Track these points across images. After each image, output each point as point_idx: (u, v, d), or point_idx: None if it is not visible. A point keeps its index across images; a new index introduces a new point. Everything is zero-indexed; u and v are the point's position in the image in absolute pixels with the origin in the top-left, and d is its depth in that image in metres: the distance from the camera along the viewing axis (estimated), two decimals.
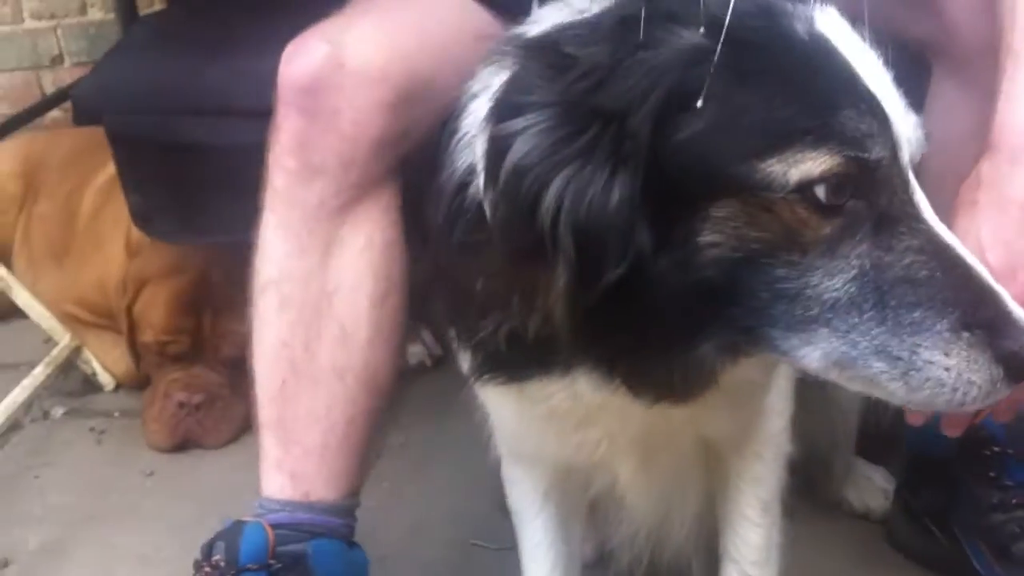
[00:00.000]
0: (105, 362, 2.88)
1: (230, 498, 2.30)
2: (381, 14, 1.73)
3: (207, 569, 1.64)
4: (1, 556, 2.25)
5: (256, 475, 2.24)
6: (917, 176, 1.15)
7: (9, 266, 3.12)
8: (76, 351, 2.89)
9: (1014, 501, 1.73)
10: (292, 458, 1.72)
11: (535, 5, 1.79)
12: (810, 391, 1.86)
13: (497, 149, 1.10)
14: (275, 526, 1.67)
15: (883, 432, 2.06)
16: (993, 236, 1.41)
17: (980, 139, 1.58)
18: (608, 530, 1.83)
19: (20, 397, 2.70)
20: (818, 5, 1.18)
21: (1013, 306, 1.10)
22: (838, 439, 2.02)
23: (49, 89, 3.57)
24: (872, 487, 2.09)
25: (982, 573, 1.78)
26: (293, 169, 1.67)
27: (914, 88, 1.70)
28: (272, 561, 1.63)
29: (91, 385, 2.91)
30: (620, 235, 1.07)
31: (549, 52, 1.15)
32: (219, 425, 2.59)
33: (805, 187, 1.06)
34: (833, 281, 1.10)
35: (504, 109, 1.13)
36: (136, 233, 2.72)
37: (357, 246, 1.70)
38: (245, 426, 2.58)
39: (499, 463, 1.69)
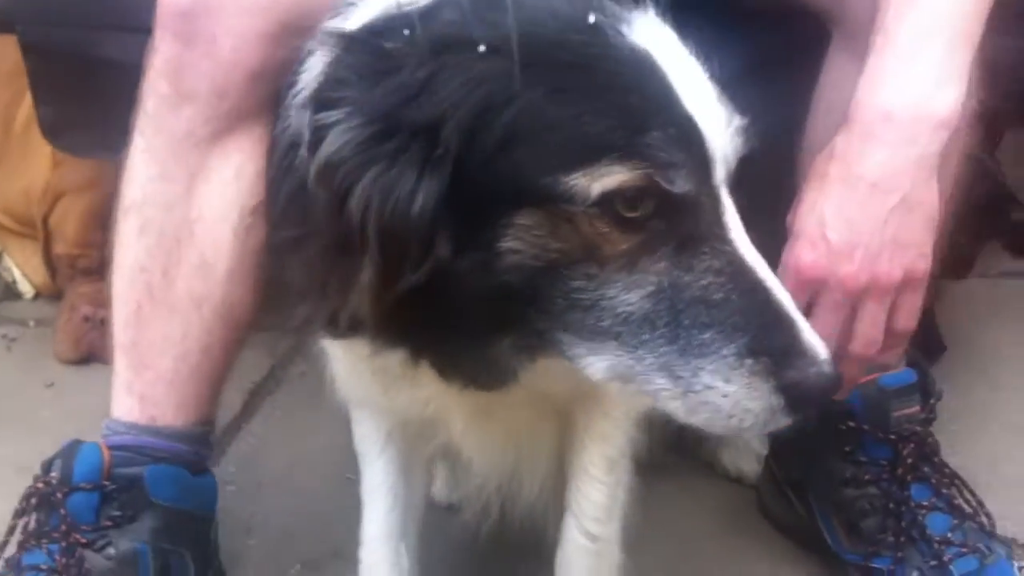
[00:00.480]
0: (25, 270, 2.89)
1: None
2: None
3: (40, 485, 1.64)
4: None
5: None
6: (736, 181, 1.15)
7: None
8: None
9: (867, 477, 1.71)
10: (142, 382, 1.70)
11: None
12: None
13: (315, 138, 1.12)
14: (116, 448, 1.66)
15: None
16: (836, 212, 1.39)
17: None
18: (457, 478, 1.84)
19: None
20: (646, 16, 1.19)
21: (807, 335, 1.10)
22: None
23: None
24: (747, 451, 2.07)
25: (832, 546, 1.77)
26: (164, 94, 1.64)
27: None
28: (106, 482, 1.63)
29: (10, 292, 2.92)
30: (421, 241, 1.09)
31: (369, 46, 1.15)
32: None
33: (606, 201, 1.07)
34: (629, 295, 1.10)
35: (321, 100, 1.15)
36: None
37: (225, 177, 1.67)
38: None
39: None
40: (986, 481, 1.87)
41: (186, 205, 1.67)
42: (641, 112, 1.09)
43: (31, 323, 2.80)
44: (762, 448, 2.04)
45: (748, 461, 2.06)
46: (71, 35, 2.25)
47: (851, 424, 1.71)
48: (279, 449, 2.28)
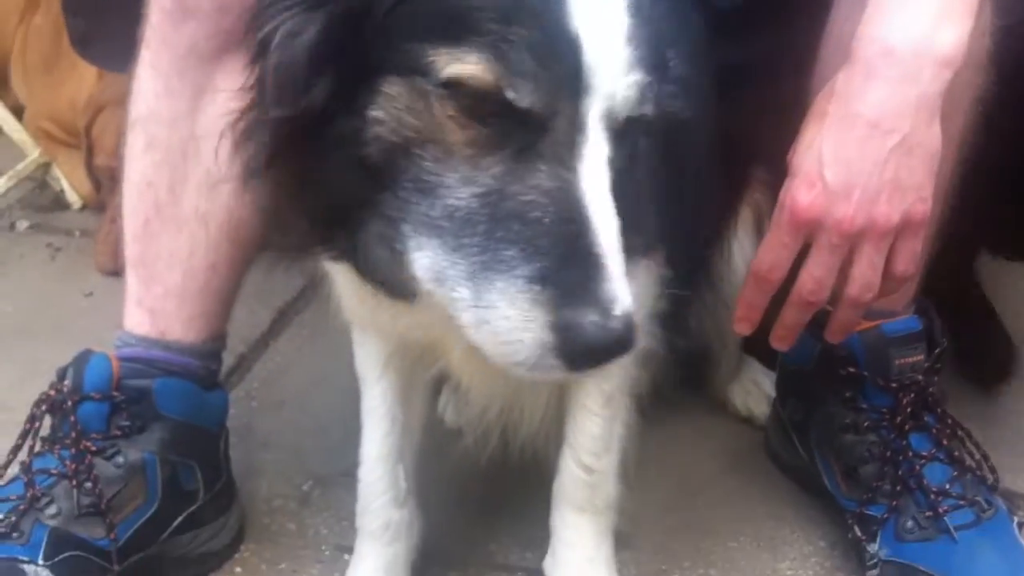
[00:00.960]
0: (72, 180, 2.94)
1: None
2: None
3: (53, 392, 1.69)
4: None
5: None
6: (630, 129, 1.13)
7: (6, 76, 3.18)
8: (45, 167, 2.94)
9: (866, 424, 1.69)
10: (152, 296, 1.74)
11: None
12: (700, 285, 1.84)
13: None
14: (126, 360, 1.70)
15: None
16: (834, 153, 1.35)
17: None
18: (457, 405, 1.86)
19: None
20: None
21: (610, 284, 1.06)
22: (726, 337, 1.98)
23: None
24: (758, 392, 2.06)
25: (830, 489, 1.76)
26: (168, 8, 1.66)
27: None
28: (116, 393, 1.67)
29: (59, 203, 2.97)
30: (301, 74, 1.12)
31: None
32: None
33: (453, 87, 1.07)
34: (461, 190, 1.10)
35: None
36: None
37: (230, 93, 1.67)
38: None
39: None
40: (999, 435, 1.85)
41: (191, 121, 1.69)
42: (525, 13, 1.08)
43: (76, 233, 2.85)
44: (773, 390, 2.03)
45: (758, 402, 2.06)
46: None
47: (852, 370, 1.69)
48: (303, 368, 2.32)
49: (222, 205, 1.71)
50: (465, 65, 1.07)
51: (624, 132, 1.13)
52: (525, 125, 1.09)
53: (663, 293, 1.59)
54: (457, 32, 1.07)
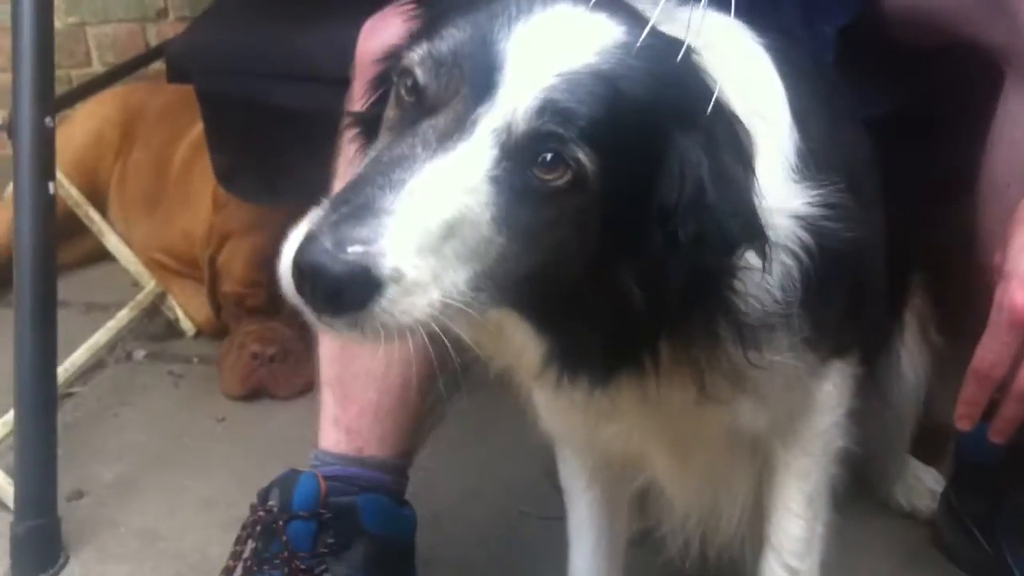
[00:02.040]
0: (187, 309, 3.00)
1: (295, 448, 2.37)
2: None
3: (261, 513, 1.72)
4: (77, 487, 2.37)
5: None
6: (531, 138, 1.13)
7: (104, 211, 3.26)
8: (160, 297, 3.01)
9: None
10: (348, 415, 1.79)
11: None
12: (868, 389, 1.88)
13: None
14: (328, 478, 1.74)
15: (936, 433, 2.06)
16: None
17: None
18: (659, 515, 1.88)
19: (104, 338, 2.83)
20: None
21: (368, 228, 1.05)
22: (893, 439, 2.02)
23: (153, 41, 3.68)
24: (921, 488, 2.09)
25: None
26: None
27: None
28: (323, 511, 1.71)
29: (173, 330, 3.03)
30: None
31: None
32: (290, 378, 2.68)
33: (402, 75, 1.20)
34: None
35: None
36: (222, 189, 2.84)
37: None
38: (315, 380, 2.67)
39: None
40: None
41: None
42: (475, 28, 1.16)
43: (194, 360, 2.90)
44: (936, 485, 2.06)
45: (922, 498, 2.09)
46: (245, 83, 2.36)
47: None
48: (451, 482, 2.34)
49: None
50: (409, 54, 1.18)
51: (524, 162, 1.13)
52: (423, 104, 1.16)
53: (856, 392, 1.64)
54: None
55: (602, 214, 1.18)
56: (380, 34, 1.70)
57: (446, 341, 1.18)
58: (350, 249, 1.04)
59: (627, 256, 1.20)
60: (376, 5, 1.79)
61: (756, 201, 1.19)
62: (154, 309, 3.02)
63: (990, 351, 1.44)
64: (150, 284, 2.99)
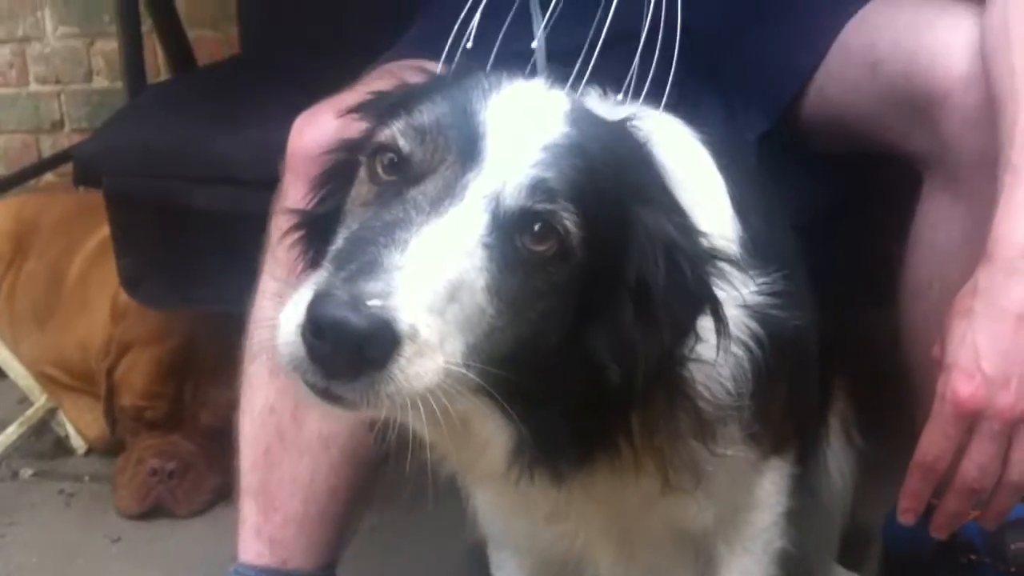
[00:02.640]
0: (79, 425, 2.86)
1: (195, 568, 2.29)
2: None
3: None
4: None
5: (223, 548, 2.15)
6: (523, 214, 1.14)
7: None
8: (50, 413, 2.88)
9: None
10: (272, 525, 1.71)
11: None
12: (801, 490, 1.88)
13: None
14: None
15: (861, 536, 2.07)
16: (990, 345, 1.42)
17: (971, 248, 1.62)
18: None
19: None
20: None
21: (383, 282, 1.04)
22: (821, 541, 2.01)
23: (47, 152, 3.61)
24: None
25: None
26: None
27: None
28: None
29: (62, 448, 2.88)
30: None
31: None
32: (190, 495, 2.56)
33: (375, 151, 1.21)
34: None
35: None
36: (122, 298, 2.72)
37: None
38: (216, 497, 2.58)
39: (474, 545, 1.70)
40: None
41: None
42: (452, 103, 1.20)
43: (86, 478, 2.75)
44: None
45: None
46: (159, 185, 2.31)
47: (972, 557, 1.73)
48: None
49: (344, 427, 1.71)
50: (385, 131, 1.19)
51: (513, 231, 1.14)
52: (408, 174, 1.17)
53: (794, 490, 1.64)
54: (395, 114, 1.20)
55: (582, 285, 1.18)
56: (313, 130, 1.69)
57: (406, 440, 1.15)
58: (369, 303, 1.01)
59: (602, 328, 1.20)
60: (294, 107, 1.78)
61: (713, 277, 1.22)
62: (43, 426, 2.88)
63: (933, 444, 1.45)
64: (40, 400, 2.86)
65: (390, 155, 1.18)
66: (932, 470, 1.46)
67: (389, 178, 1.19)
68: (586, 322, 1.20)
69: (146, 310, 2.63)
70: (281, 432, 1.70)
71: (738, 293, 1.28)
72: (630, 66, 1.71)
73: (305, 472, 1.71)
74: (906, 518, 1.50)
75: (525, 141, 1.16)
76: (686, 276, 1.19)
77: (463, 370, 1.10)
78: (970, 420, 1.43)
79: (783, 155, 1.86)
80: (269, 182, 1.80)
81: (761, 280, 1.33)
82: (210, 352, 2.58)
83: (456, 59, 1.82)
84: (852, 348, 2.00)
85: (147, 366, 2.60)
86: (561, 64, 1.74)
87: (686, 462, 1.30)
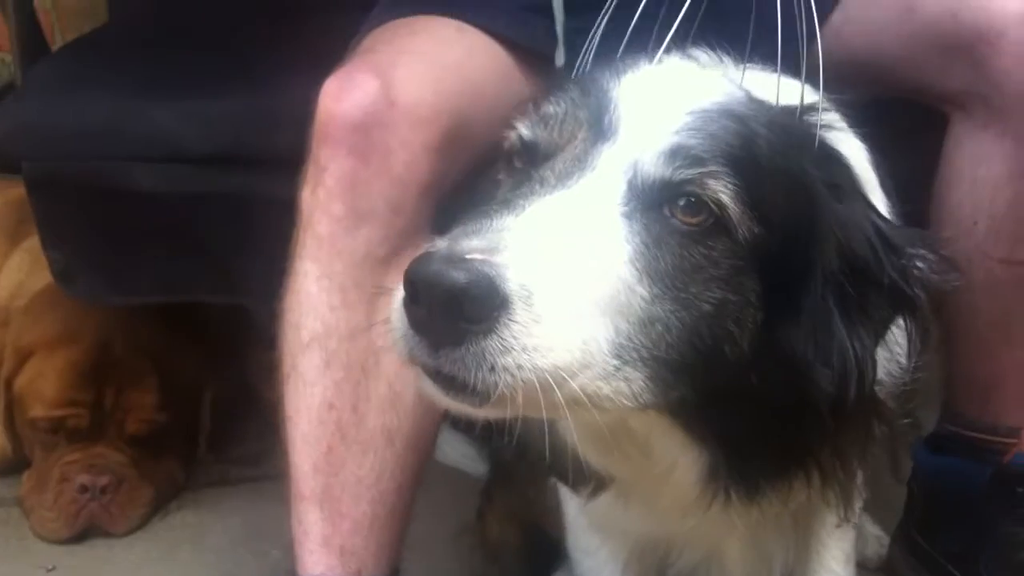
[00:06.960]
0: None
1: None
2: (426, 52, 1.64)
3: None
4: None
5: (172, 565, 2.13)
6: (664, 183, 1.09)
7: None
8: None
9: None
10: (341, 533, 1.55)
11: (559, 47, 1.76)
12: None
13: None
14: None
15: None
16: None
17: (1018, 183, 1.65)
18: None
19: None
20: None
21: (484, 239, 0.98)
22: None
23: None
24: (865, 534, 2.10)
25: None
26: (340, 215, 1.54)
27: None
28: None
29: None
30: None
31: None
32: (126, 510, 2.31)
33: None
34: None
35: None
36: (6, 300, 2.45)
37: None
38: (152, 511, 2.34)
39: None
40: None
41: (369, 332, 1.55)
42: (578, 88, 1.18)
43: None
44: (877, 530, 2.08)
45: (870, 545, 2.09)
46: (92, 168, 2.06)
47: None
48: None
49: (407, 417, 1.57)
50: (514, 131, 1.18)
51: (658, 203, 1.08)
52: (536, 156, 1.15)
53: None
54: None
55: (760, 272, 1.10)
56: (354, 93, 1.54)
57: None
58: (468, 256, 0.94)
59: (802, 327, 1.13)
60: (224, 75, 1.62)
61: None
62: None
63: None
64: None
65: (519, 145, 1.17)
66: None
67: (520, 166, 1.16)
68: (779, 320, 1.13)
69: (47, 309, 2.37)
70: (343, 429, 1.54)
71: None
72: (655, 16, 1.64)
73: (371, 471, 1.56)
74: None
75: (667, 109, 1.11)
76: (887, 273, 1.15)
77: (611, 368, 1.01)
78: None
79: None
80: (224, 158, 1.61)
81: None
82: (133, 352, 2.32)
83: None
84: None
85: (58, 371, 2.31)
86: (576, 15, 1.67)
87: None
